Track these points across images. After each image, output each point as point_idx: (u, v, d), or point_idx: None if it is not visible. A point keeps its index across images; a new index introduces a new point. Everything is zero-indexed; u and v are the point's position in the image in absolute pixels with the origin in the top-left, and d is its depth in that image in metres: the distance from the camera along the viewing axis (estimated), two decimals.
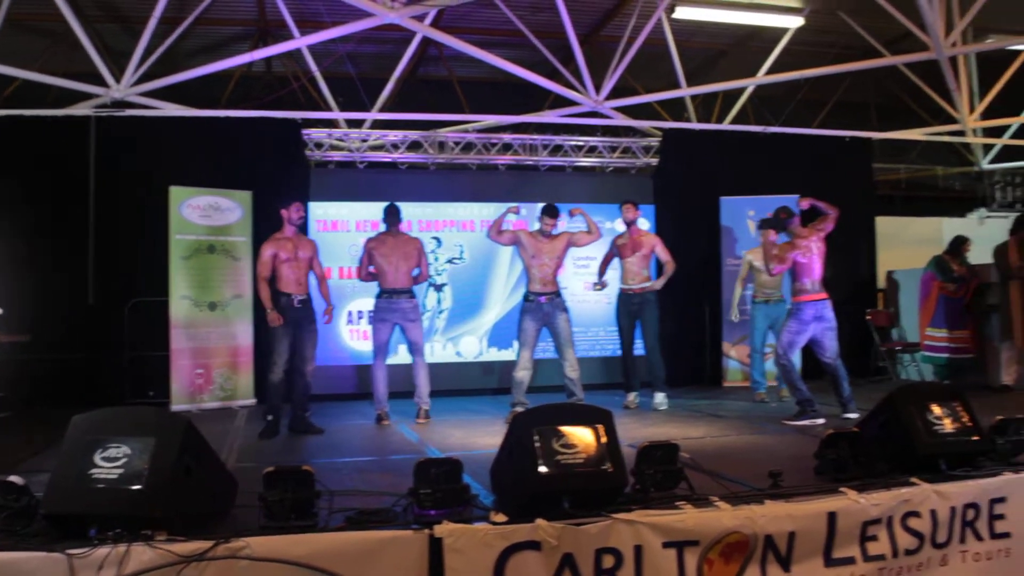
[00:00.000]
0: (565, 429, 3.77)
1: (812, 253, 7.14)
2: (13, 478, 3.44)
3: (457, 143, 10.14)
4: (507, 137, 10.26)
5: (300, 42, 8.63)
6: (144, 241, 8.78)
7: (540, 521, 3.47)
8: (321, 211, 9.56)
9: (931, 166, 14.75)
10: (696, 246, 10.16)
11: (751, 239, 9.57)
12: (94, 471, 3.34)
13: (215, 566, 3.18)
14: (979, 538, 4.27)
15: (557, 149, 10.38)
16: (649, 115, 11.41)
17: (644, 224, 9.99)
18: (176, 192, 8.50)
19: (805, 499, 3.98)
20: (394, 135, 9.99)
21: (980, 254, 9.42)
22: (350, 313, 9.57)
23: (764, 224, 7.47)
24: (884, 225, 11.72)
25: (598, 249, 9.60)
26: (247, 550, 3.22)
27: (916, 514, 4.11)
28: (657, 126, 10.68)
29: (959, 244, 9.41)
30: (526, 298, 7.89)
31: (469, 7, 8.96)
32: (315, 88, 9.96)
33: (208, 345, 8.61)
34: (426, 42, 10.05)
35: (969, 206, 14.22)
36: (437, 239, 9.75)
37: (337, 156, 9.95)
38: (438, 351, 9.68)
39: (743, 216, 9.95)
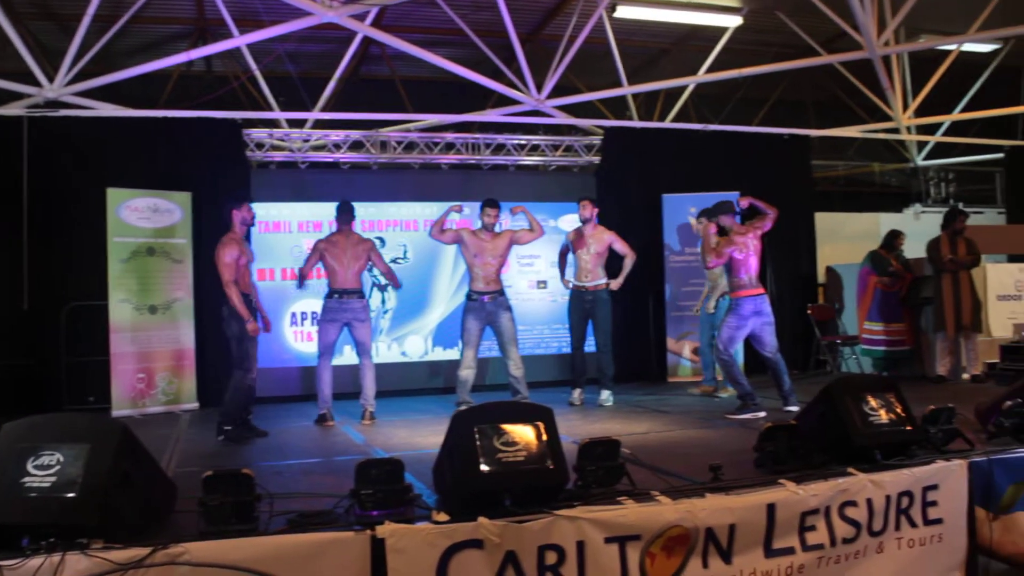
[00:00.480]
0: (506, 427, 3.78)
1: (748, 250, 7.26)
2: None
3: (400, 142, 10.10)
4: (450, 136, 10.24)
5: (239, 41, 8.52)
6: (81, 244, 8.60)
7: (482, 519, 3.48)
8: (263, 212, 9.42)
9: (868, 163, 15.08)
10: (639, 243, 10.20)
11: (693, 236, 9.67)
12: (26, 480, 3.26)
13: (154, 573, 3.13)
14: (913, 525, 4.38)
15: (500, 148, 10.39)
16: (591, 114, 11.48)
17: None
18: (113, 194, 8.35)
19: (745, 492, 4.05)
20: (336, 135, 9.92)
21: (916, 249, 9.64)
22: (294, 315, 9.49)
23: (704, 214, 7.60)
24: (823, 221, 11.93)
25: (543, 247, 9.68)
26: (186, 556, 3.18)
27: (853, 503, 4.20)
28: (599, 124, 10.74)
29: (893, 238, 9.64)
30: (469, 297, 7.90)
31: (410, 6, 8.93)
32: (256, 88, 9.86)
33: (150, 349, 8.47)
34: (368, 41, 10.00)
35: (905, 201, 14.55)
36: (380, 239, 9.70)
37: (278, 156, 9.85)
38: (383, 351, 9.64)
39: (685, 213, 10.05)
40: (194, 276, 8.74)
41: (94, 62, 8.60)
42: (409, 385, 9.63)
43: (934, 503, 4.41)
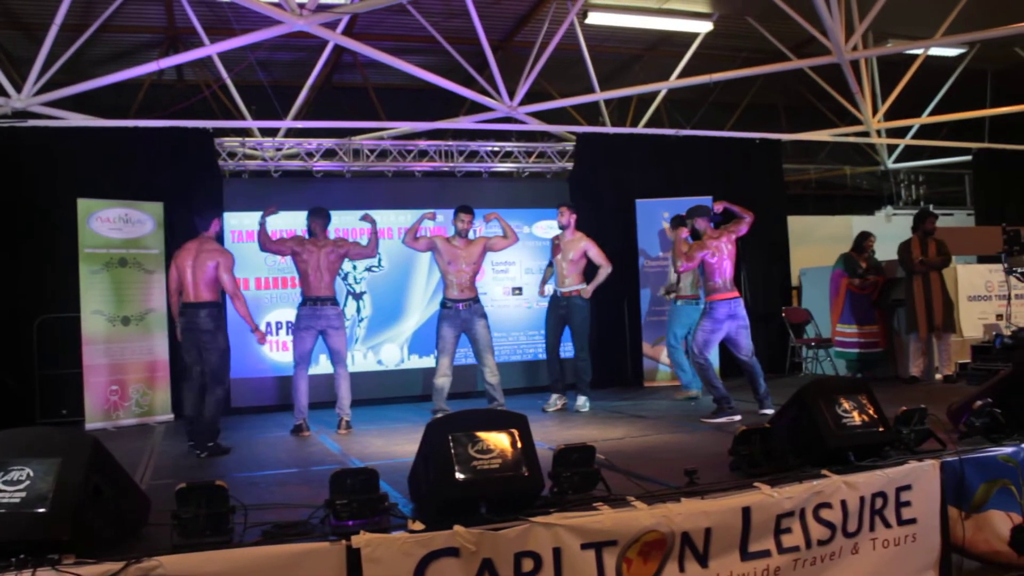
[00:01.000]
0: (481, 434, 3.77)
1: (722, 253, 7.28)
2: None
3: (373, 150, 10.09)
4: (423, 144, 10.24)
5: (210, 49, 8.48)
6: (52, 255, 8.52)
7: (458, 527, 3.47)
8: (236, 221, 9.40)
9: (840, 166, 15.22)
10: (612, 249, 10.22)
11: (667, 241, 9.71)
12: None
13: None
14: (887, 525, 4.40)
15: (473, 155, 10.39)
16: (564, 120, 11.53)
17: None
18: (84, 204, 8.27)
19: (720, 495, 4.05)
20: (309, 143, 9.89)
21: (888, 251, 9.72)
22: (269, 324, 9.44)
23: (676, 222, 7.62)
24: (796, 224, 12.03)
25: (517, 254, 9.70)
26: (160, 569, 3.15)
27: (827, 505, 4.22)
28: (572, 130, 10.78)
29: (863, 240, 9.74)
30: (443, 305, 7.89)
31: (382, 13, 8.95)
32: (228, 97, 9.82)
33: (123, 361, 8.40)
34: (340, 49, 9.98)
35: (877, 204, 14.71)
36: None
37: (251, 165, 9.80)
38: (359, 360, 9.61)
39: (658, 218, 10.09)
40: (167, 287, 8.66)
41: (63, 71, 8.53)
42: (385, 394, 9.59)
43: (907, 503, 4.44)
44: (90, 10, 8.76)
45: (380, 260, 9.75)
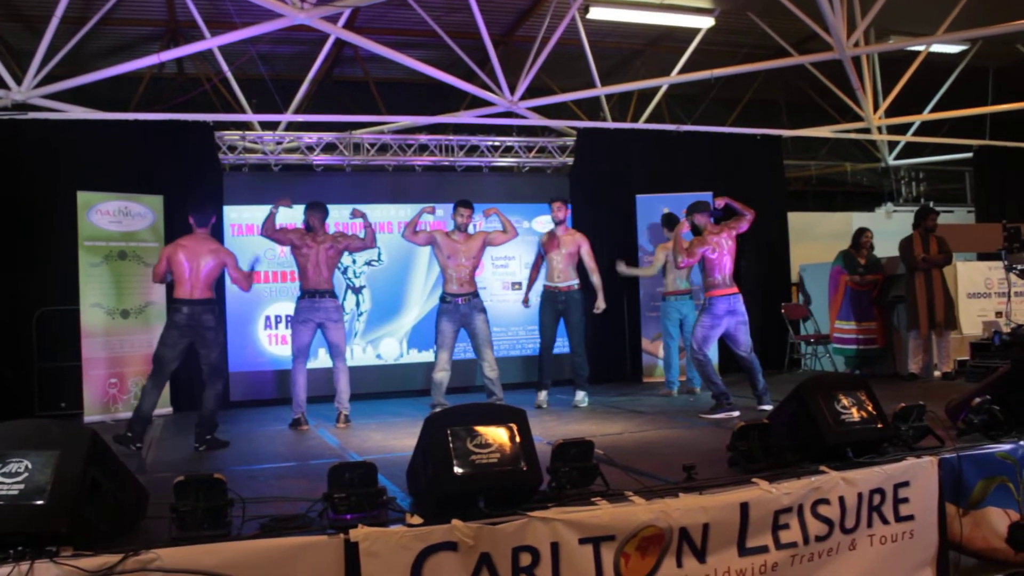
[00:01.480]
0: (479, 429, 3.77)
1: (722, 249, 7.28)
2: None
3: (373, 144, 10.08)
4: (423, 138, 10.23)
5: (211, 43, 8.47)
6: (51, 248, 8.50)
7: (456, 522, 3.47)
8: (235, 215, 9.40)
9: (840, 162, 15.21)
10: (613, 244, 10.27)
11: (661, 236, 9.69)
12: None
13: None
14: (885, 522, 4.41)
15: (474, 149, 10.39)
16: (565, 115, 11.51)
17: None
18: (84, 197, 8.26)
19: (718, 491, 4.06)
20: (309, 137, 9.89)
21: (889, 247, 9.72)
22: (268, 318, 9.44)
23: (666, 220, 7.62)
24: (796, 220, 12.02)
25: (517, 248, 9.70)
26: (158, 562, 3.15)
27: (825, 501, 4.23)
28: (572, 125, 10.77)
29: (860, 236, 9.75)
30: (443, 299, 7.89)
31: (383, 7, 8.91)
32: (228, 90, 9.81)
33: (122, 354, 8.39)
34: (341, 43, 9.98)
35: (877, 201, 14.70)
36: None
37: (252, 159, 9.80)
38: (358, 354, 9.61)
39: (659, 214, 10.07)
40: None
41: (63, 64, 8.53)
42: (384, 388, 9.59)
43: (905, 500, 4.45)
44: (91, 3, 8.75)
45: (380, 254, 9.74)
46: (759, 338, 7.62)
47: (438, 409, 7.40)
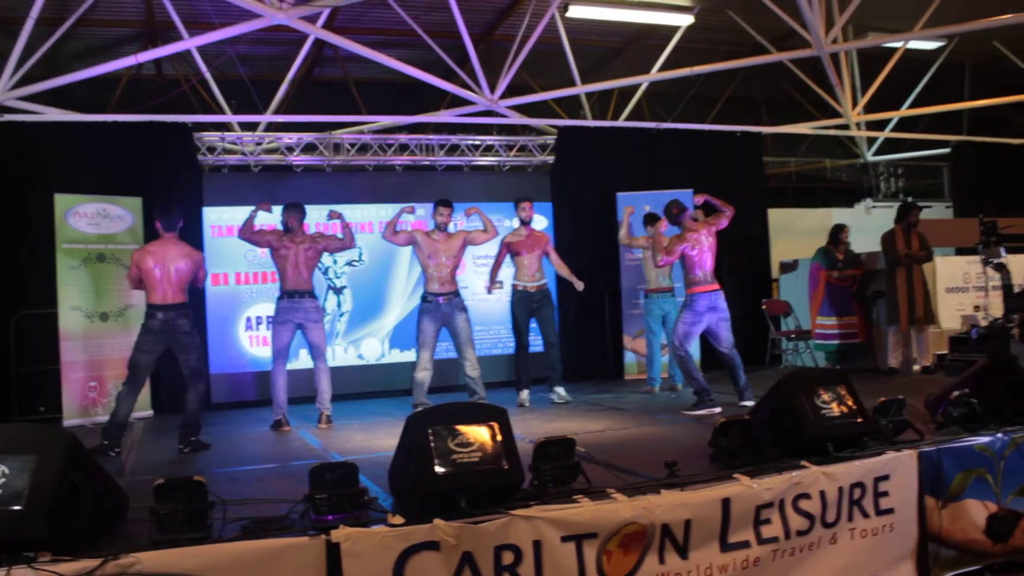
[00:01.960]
0: (460, 428, 3.77)
1: (702, 246, 7.31)
2: None
3: (353, 144, 10.06)
4: (403, 138, 10.21)
5: (189, 43, 8.41)
6: (29, 250, 8.44)
7: (438, 521, 3.47)
8: (215, 216, 9.35)
9: (819, 159, 15.30)
10: (594, 242, 10.30)
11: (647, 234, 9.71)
12: None
13: None
14: (866, 515, 4.44)
15: (454, 149, 10.38)
16: (545, 113, 11.52)
17: (542, 222, 10.12)
18: (61, 199, 8.20)
19: (700, 487, 4.07)
20: (289, 137, 9.85)
21: (869, 243, 9.78)
22: (248, 319, 9.40)
23: (648, 219, 7.63)
24: (776, 216, 12.07)
25: (498, 247, 9.66)
26: (137, 566, 3.13)
27: (807, 496, 4.26)
28: (553, 124, 10.78)
29: (838, 232, 9.81)
30: (424, 299, 7.89)
31: (363, 7, 8.89)
32: (207, 91, 9.74)
33: (101, 357, 8.34)
34: (321, 43, 9.94)
35: (856, 197, 14.79)
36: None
37: (231, 160, 9.75)
38: (340, 354, 9.59)
39: (640, 211, 10.09)
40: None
41: (40, 66, 8.45)
42: (366, 388, 9.56)
43: (885, 493, 4.48)
44: (66, 3, 8.67)
45: (361, 254, 9.72)
46: (740, 334, 7.64)
47: (420, 408, 7.37)
